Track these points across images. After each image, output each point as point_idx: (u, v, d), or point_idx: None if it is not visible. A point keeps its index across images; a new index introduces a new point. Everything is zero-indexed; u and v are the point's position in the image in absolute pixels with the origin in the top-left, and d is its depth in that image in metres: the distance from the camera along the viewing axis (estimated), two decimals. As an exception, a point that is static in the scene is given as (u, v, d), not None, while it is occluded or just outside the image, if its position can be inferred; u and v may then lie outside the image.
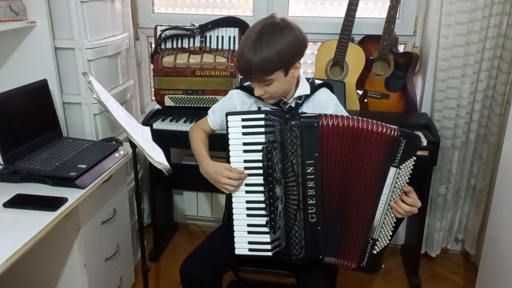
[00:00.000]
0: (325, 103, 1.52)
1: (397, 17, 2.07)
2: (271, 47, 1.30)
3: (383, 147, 1.28)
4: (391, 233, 1.35)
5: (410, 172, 1.30)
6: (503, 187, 1.65)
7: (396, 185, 1.30)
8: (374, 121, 1.30)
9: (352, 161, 1.31)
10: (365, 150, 1.29)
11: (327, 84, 1.57)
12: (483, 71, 2.02)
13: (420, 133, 1.99)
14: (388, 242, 1.35)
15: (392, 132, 1.27)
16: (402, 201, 1.32)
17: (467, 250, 2.33)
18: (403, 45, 2.33)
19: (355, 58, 2.12)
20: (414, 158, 1.29)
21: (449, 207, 2.25)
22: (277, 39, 1.31)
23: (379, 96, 2.17)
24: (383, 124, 1.30)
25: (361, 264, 1.36)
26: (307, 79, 1.54)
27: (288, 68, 1.37)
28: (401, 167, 1.29)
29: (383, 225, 1.33)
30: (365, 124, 1.29)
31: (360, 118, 1.31)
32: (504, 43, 1.99)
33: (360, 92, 2.19)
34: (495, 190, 1.72)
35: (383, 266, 1.40)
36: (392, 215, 1.33)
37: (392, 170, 1.29)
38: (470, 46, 1.99)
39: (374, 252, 1.35)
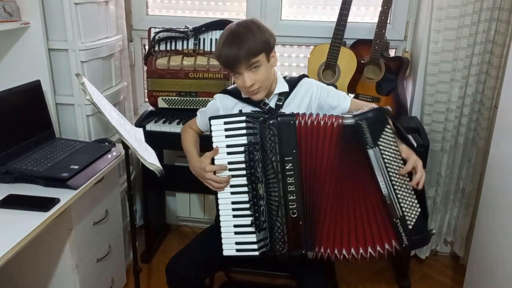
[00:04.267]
0: (308, 92, 1.54)
1: (388, 22, 2.10)
2: (250, 33, 1.39)
3: (341, 138, 1.33)
4: (415, 201, 1.34)
5: (393, 140, 1.32)
6: (490, 190, 1.68)
7: (386, 160, 1.32)
8: (328, 115, 1.36)
9: (329, 155, 1.35)
10: (324, 143, 1.34)
11: (302, 76, 1.60)
12: (472, 76, 2.06)
13: (410, 136, 2.02)
14: (418, 210, 1.34)
15: (343, 122, 1.33)
16: (406, 176, 1.33)
17: (456, 252, 2.36)
18: (394, 50, 2.36)
19: (347, 61, 2.14)
20: (388, 127, 1.32)
21: (439, 210, 2.28)
22: (252, 27, 1.41)
23: (370, 100, 2.20)
24: (335, 115, 1.35)
25: (404, 244, 1.35)
26: (284, 78, 1.57)
27: (269, 53, 1.44)
28: (379, 143, 1.31)
29: (401, 200, 1.33)
30: (327, 119, 1.34)
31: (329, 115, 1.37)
32: (492, 48, 2.02)
33: (352, 96, 2.21)
34: (482, 193, 1.75)
35: (433, 231, 1.39)
36: (404, 186, 1.33)
37: (371, 152, 1.32)
38: (459, 51, 2.03)
39: (410, 227, 1.34)
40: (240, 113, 1.49)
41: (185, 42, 2.22)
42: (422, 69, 2.15)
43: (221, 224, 1.44)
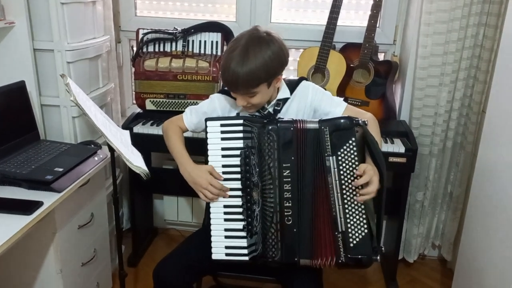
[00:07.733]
0: (305, 96, 1.52)
1: (377, 26, 2.11)
2: (257, 60, 1.32)
3: (312, 141, 1.33)
4: (364, 221, 1.32)
5: (355, 154, 1.30)
6: (478, 194, 1.69)
7: (342, 172, 1.31)
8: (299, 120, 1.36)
9: (311, 161, 1.34)
10: (303, 148, 1.34)
11: (301, 79, 1.56)
12: (460, 80, 2.07)
13: (398, 140, 2.03)
14: (365, 231, 1.32)
15: (306, 126, 1.33)
16: (356, 187, 1.30)
17: (443, 256, 2.37)
18: (383, 54, 2.36)
19: (337, 65, 2.14)
20: (353, 139, 1.30)
21: (427, 214, 2.28)
22: (263, 51, 1.33)
23: (359, 103, 2.20)
24: (305, 120, 1.36)
25: (340, 260, 1.34)
26: (286, 81, 1.54)
27: (271, 81, 1.39)
28: (339, 153, 1.31)
29: (348, 216, 1.32)
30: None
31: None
32: (480, 53, 2.04)
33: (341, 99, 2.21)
34: (470, 197, 1.76)
35: (378, 258, 1.34)
36: (355, 203, 1.32)
37: (329, 159, 1.31)
38: (448, 55, 2.04)
39: (351, 245, 1.33)
40: (238, 116, 1.47)
41: (173, 44, 2.20)
42: (411, 73, 2.16)
43: (212, 227, 1.42)
